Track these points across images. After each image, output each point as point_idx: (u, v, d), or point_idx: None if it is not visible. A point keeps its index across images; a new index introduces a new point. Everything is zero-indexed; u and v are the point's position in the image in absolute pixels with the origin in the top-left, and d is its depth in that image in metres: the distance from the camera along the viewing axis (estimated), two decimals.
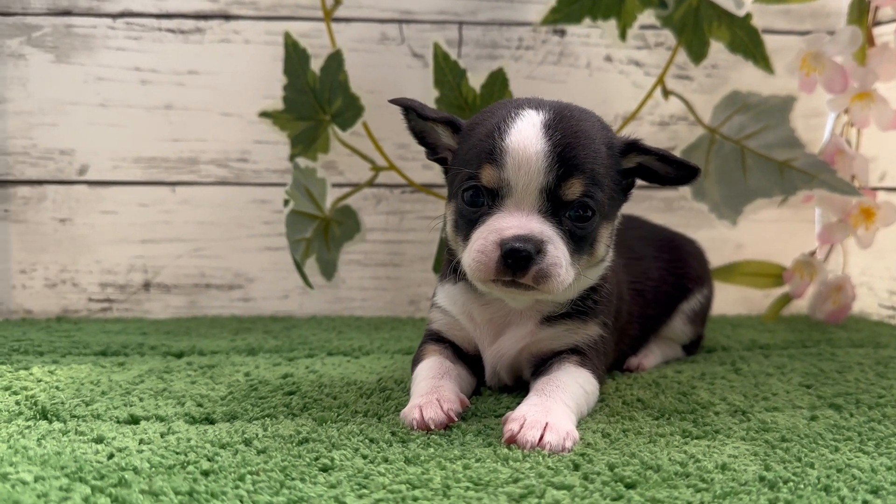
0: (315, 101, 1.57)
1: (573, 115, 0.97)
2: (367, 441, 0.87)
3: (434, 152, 1.09)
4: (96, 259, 1.63)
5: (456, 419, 0.91)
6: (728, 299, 1.73)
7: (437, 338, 1.10)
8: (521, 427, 0.86)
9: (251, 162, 1.65)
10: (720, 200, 1.55)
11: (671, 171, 1.01)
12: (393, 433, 0.89)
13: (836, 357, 1.31)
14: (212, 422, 0.96)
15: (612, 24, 1.55)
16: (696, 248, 1.39)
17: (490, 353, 1.06)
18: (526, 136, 0.94)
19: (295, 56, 1.57)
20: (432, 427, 0.89)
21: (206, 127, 1.63)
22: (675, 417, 0.98)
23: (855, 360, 1.28)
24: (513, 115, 0.96)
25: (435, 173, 1.66)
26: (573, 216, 0.94)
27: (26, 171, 1.61)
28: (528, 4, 1.66)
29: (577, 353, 1.04)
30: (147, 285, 1.64)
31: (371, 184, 1.58)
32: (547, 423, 0.86)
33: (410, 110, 1.06)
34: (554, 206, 0.93)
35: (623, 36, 1.56)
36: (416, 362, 1.06)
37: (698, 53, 1.54)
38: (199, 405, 1.02)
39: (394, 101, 1.07)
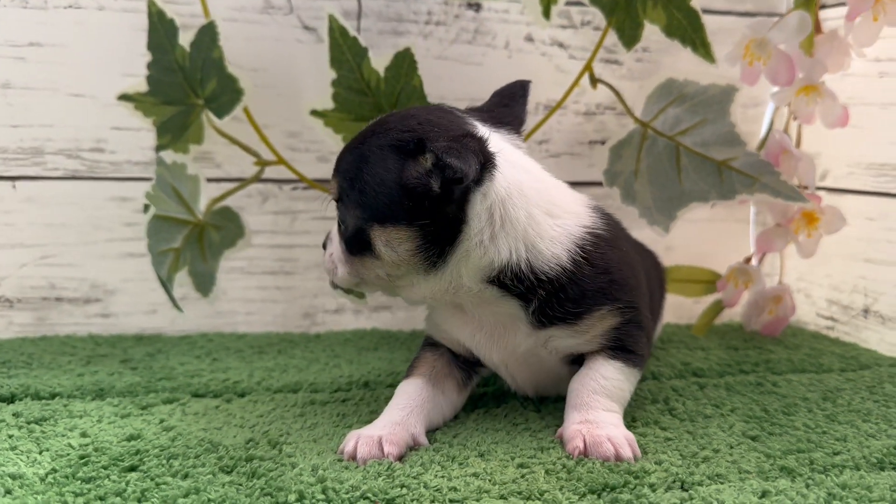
0: (185, 83, 1.31)
1: (380, 122, 0.97)
2: None
3: None
4: None
5: (395, 461, 0.88)
6: None
7: (432, 342, 1.07)
8: (586, 444, 0.90)
9: (108, 152, 1.39)
10: (652, 204, 1.38)
11: (455, 170, 0.85)
12: None
13: (778, 388, 1.16)
14: None
15: (533, 0, 1.35)
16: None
17: (494, 360, 1.02)
18: None
19: (161, 28, 1.30)
20: (360, 465, 0.87)
21: (52, 110, 1.36)
22: (605, 496, 0.81)
23: (800, 393, 1.14)
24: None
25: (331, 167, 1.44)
26: (338, 217, 0.98)
27: None
28: None
29: (608, 349, 1.00)
30: None
31: (257, 180, 1.35)
32: (608, 437, 0.90)
33: None
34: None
35: (547, 14, 1.35)
36: (407, 371, 1.04)
37: (630, 37, 1.34)
38: (9, 492, 0.79)
39: None
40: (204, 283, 1.33)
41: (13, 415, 1.01)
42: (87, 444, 0.91)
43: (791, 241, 1.40)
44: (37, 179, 1.37)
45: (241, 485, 0.82)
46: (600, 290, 0.97)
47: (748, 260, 1.48)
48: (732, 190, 1.35)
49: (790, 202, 1.33)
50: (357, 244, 0.95)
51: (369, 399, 1.11)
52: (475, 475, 0.85)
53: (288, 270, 1.46)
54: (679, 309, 1.61)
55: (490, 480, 0.84)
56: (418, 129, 0.92)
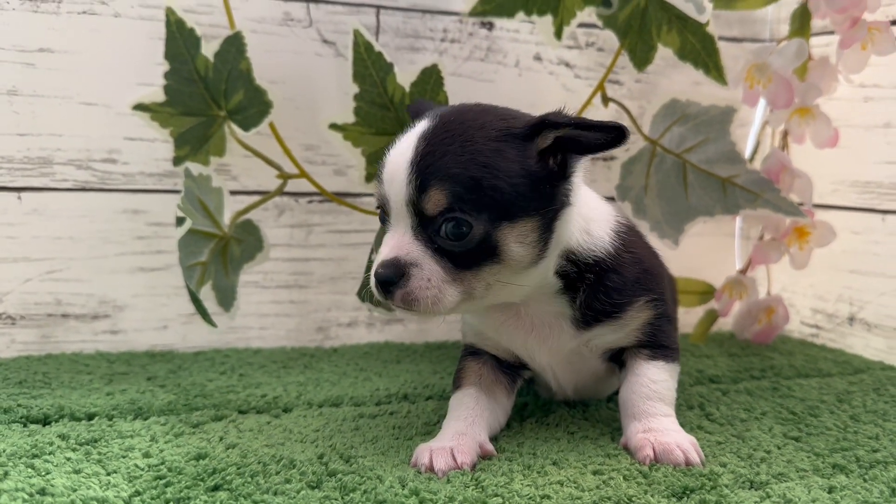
0: (206, 93, 1.29)
1: (459, 119, 0.91)
2: None
3: None
4: None
5: (469, 470, 0.89)
6: None
7: (473, 350, 1.06)
8: (655, 452, 0.93)
9: (120, 163, 1.34)
10: (662, 218, 1.44)
11: (597, 136, 0.89)
12: None
13: (793, 392, 1.23)
14: None
15: (546, 21, 1.39)
16: None
17: (542, 362, 1.03)
18: (401, 147, 0.90)
19: (180, 37, 1.28)
20: (439, 476, 0.87)
21: (63, 119, 1.31)
22: (692, 496, 0.85)
23: (815, 396, 1.22)
24: (411, 125, 0.94)
25: (348, 181, 1.44)
26: (447, 232, 0.87)
27: None
28: None
29: (646, 347, 1.02)
30: None
31: (280, 193, 1.33)
32: (677, 444, 0.93)
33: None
34: (422, 221, 0.88)
35: (559, 35, 1.40)
36: (455, 383, 1.04)
37: (642, 59, 1.41)
38: None
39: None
40: (226, 298, 1.30)
41: (59, 437, 0.97)
42: (157, 465, 0.89)
43: (785, 254, 1.49)
44: (43, 191, 1.31)
45: (336, 499, 0.82)
46: (637, 280, 1.00)
47: (743, 271, 1.57)
48: (736, 205, 1.42)
49: (786, 217, 1.42)
50: (478, 254, 0.88)
51: (417, 412, 1.12)
52: (560, 483, 0.88)
53: (302, 284, 1.45)
54: None
55: (577, 487, 0.86)
56: (511, 117, 0.92)
